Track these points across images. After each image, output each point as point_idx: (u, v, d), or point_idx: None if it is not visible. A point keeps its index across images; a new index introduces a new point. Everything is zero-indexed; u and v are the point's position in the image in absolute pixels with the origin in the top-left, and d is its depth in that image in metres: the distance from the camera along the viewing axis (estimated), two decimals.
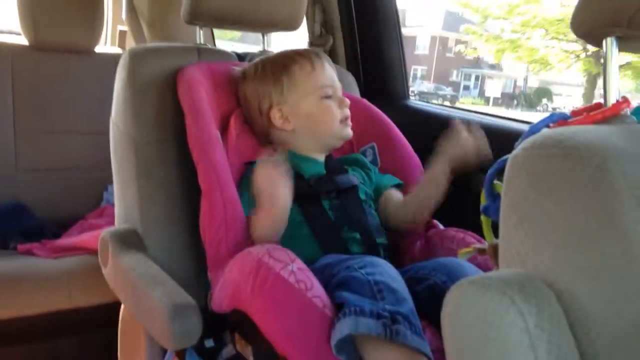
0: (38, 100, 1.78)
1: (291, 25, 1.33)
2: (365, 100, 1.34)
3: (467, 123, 1.10)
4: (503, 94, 7.77)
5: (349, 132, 1.18)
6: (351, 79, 1.41)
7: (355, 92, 1.40)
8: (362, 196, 1.16)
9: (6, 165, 1.73)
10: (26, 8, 1.76)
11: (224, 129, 1.17)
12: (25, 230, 1.66)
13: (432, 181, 1.11)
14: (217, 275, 1.01)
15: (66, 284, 1.47)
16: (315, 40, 1.80)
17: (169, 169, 1.16)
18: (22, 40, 1.81)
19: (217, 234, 1.03)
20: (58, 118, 1.80)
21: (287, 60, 1.17)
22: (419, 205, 1.15)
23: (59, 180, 1.78)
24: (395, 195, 1.20)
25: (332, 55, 1.73)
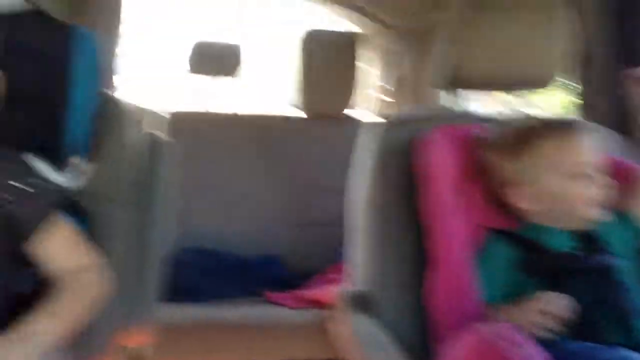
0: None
1: (542, 83, 1.27)
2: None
3: None
4: None
5: (593, 215, 1.03)
6: (616, 139, 1.25)
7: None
8: (620, 277, 1.00)
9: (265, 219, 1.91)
10: (303, 84, 2.02)
11: (462, 193, 1.11)
12: (274, 279, 1.81)
13: None
14: (442, 347, 0.95)
15: (294, 335, 1.54)
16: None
17: (403, 232, 1.14)
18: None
19: (445, 305, 0.99)
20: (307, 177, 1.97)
21: (532, 134, 1.06)
22: None
23: (305, 234, 1.91)
24: None
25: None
